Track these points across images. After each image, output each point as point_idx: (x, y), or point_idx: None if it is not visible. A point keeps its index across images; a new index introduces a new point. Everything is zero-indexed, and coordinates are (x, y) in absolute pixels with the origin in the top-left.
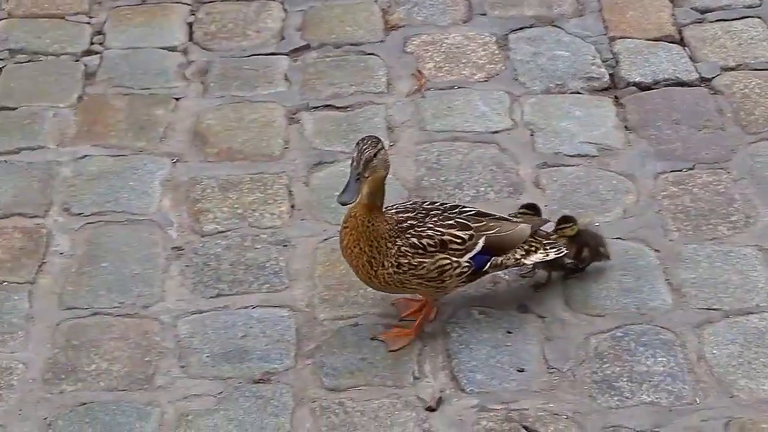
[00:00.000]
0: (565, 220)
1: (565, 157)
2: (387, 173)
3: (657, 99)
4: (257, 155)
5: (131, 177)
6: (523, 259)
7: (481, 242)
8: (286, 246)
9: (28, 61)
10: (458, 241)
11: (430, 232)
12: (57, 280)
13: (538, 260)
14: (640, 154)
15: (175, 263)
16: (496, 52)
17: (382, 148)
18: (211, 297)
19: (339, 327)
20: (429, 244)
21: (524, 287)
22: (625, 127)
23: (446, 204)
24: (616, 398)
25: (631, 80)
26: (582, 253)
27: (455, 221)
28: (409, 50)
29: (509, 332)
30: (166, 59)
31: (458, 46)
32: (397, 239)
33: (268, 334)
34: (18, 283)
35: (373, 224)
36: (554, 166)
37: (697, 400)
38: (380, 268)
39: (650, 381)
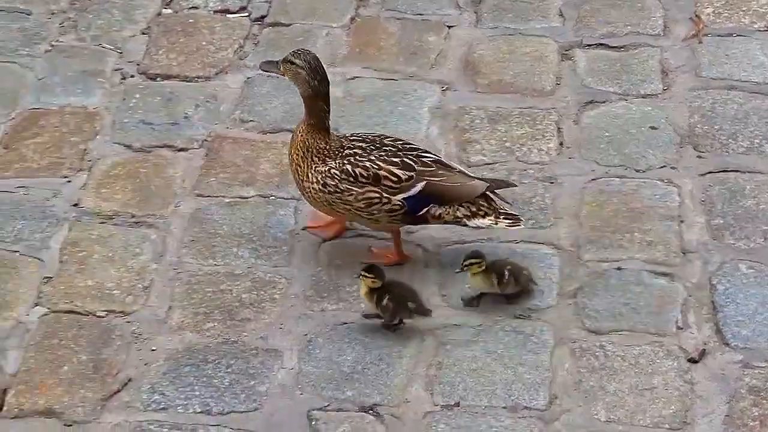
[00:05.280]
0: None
1: None
2: (307, 93)
3: None
4: (528, 89)
5: (400, 102)
6: (465, 219)
7: (419, 185)
8: (552, 183)
9: None
10: (393, 178)
11: (367, 164)
12: None
13: (483, 225)
14: None
15: None
16: None
17: (303, 69)
18: None
19: (603, 269)
20: (361, 174)
21: None
22: None
23: (408, 145)
24: None
25: None
26: (382, 302)
27: (402, 160)
28: None
29: None
30: None
31: None
32: (330, 160)
33: (531, 270)
34: (284, 198)
35: (305, 136)
36: None
37: None
38: (305, 179)
39: None
